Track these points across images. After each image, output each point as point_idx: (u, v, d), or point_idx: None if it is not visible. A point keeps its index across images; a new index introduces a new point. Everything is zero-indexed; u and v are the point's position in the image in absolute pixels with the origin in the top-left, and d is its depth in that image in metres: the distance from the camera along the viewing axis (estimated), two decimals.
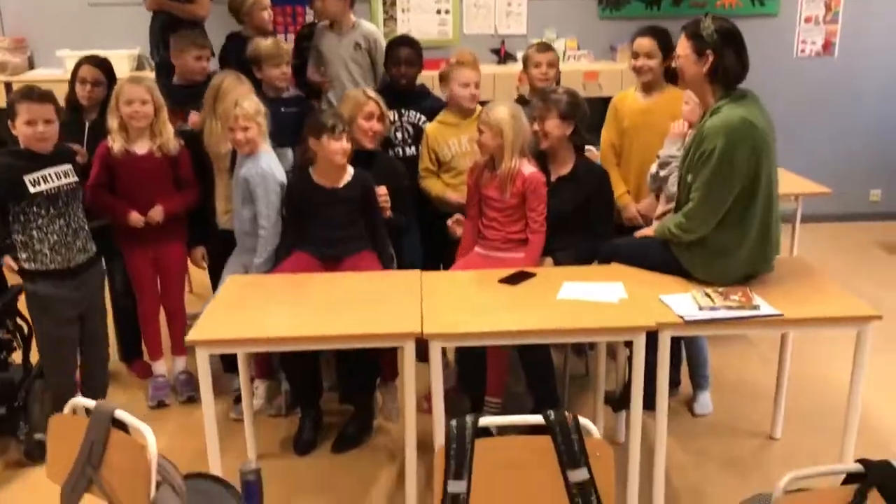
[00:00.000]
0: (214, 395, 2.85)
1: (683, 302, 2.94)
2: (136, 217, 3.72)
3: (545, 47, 4.17)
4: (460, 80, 3.93)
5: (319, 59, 4.55)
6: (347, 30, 4.48)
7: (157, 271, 3.93)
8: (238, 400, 3.67)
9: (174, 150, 3.78)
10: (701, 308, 2.87)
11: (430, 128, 4.07)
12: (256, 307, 3.06)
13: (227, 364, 3.93)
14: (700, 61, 2.99)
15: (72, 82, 4.02)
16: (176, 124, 3.95)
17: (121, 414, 2.05)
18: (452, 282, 3.33)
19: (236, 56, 4.35)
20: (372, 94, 3.79)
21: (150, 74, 4.90)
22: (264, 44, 4.11)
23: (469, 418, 2.03)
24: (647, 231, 3.43)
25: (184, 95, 4.06)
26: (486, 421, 2.06)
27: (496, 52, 6.27)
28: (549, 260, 3.52)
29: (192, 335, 2.78)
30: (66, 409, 2.16)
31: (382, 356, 3.68)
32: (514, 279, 3.23)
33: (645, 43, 3.88)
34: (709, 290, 2.97)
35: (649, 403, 2.90)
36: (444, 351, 3.22)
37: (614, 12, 6.31)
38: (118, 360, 4.29)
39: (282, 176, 3.65)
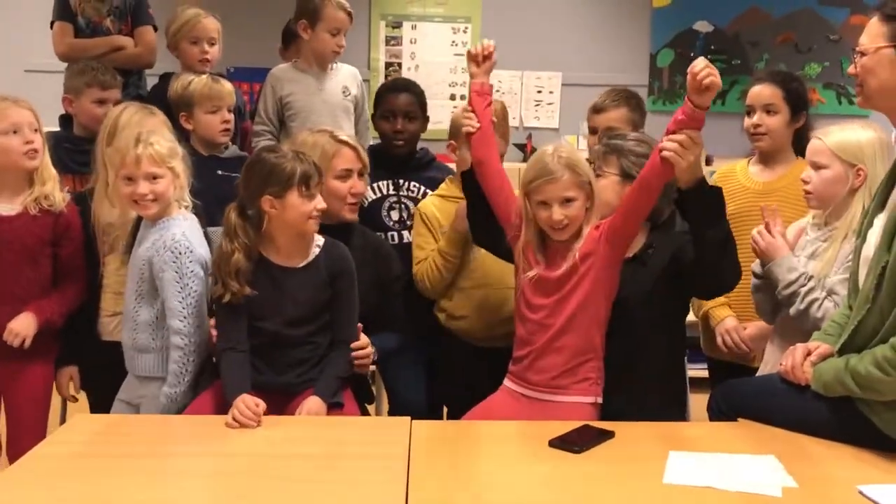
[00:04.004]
0: None
1: None
2: None
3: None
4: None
5: (281, 113, 3.23)
6: (329, 71, 3.24)
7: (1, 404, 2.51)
8: None
9: (59, 206, 2.49)
10: None
11: (425, 204, 2.74)
12: (94, 478, 1.65)
13: None
14: None
15: None
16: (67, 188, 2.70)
17: None
18: (464, 440, 1.93)
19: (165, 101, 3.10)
20: (345, 136, 2.52)
21: None
22: (197, 80, 2.87)
23: None
24: (792, 372, 1.99)
25: (85, 154, 2.78)
26: None
27: (521, 147, 5.11)
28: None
29: None
30: None
31: None
32: (574, 440, 1.83)
33: (763, 92, 2.64)
34: None
35: None
36: None
37: (668, 105, 5.20)
38: None
39: (206, 252, 2.32)
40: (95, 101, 2.91)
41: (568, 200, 2.11)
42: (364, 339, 2.29)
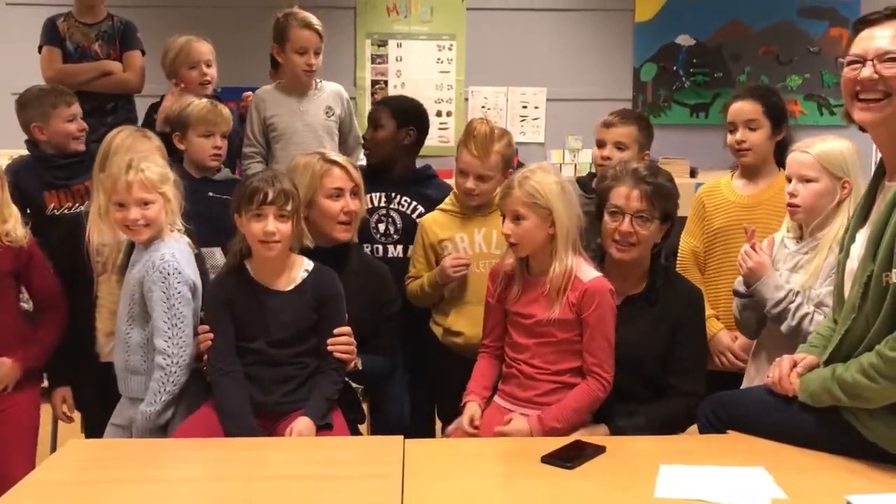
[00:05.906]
0: None
1: None
2: None
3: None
4: (458, 165, 2.67)
5: (265, 134, 3.22)
6: (312, 91, 3.25)
7: None
8: None
9: (21, 242, 2.50)
10: None
11: (426, 220, 2.78)
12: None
13: None
14: None
15: None
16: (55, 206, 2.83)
17: None
18: (458, 458, 1.95)
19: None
20: (335, 156, 2.54)
21: None
22: (197, 102, 2.88)
23: None
24: (779, 384, 2.01)
25: (63, 168, 2.89)
26: None
27: None
28: (601, 430, 2.16)
29: None
30: None
31: None
32: (566, 456, 1.86)
33: (744, 108, 2.67)
34: None
35: None
36: None
37: (651, 118, 5.18)
38: None
39: (195, 274, 2.34)
40: (67, 120, 2.95)
41: (517, 217, 2.16)
42: (347, 328, 2.30)
